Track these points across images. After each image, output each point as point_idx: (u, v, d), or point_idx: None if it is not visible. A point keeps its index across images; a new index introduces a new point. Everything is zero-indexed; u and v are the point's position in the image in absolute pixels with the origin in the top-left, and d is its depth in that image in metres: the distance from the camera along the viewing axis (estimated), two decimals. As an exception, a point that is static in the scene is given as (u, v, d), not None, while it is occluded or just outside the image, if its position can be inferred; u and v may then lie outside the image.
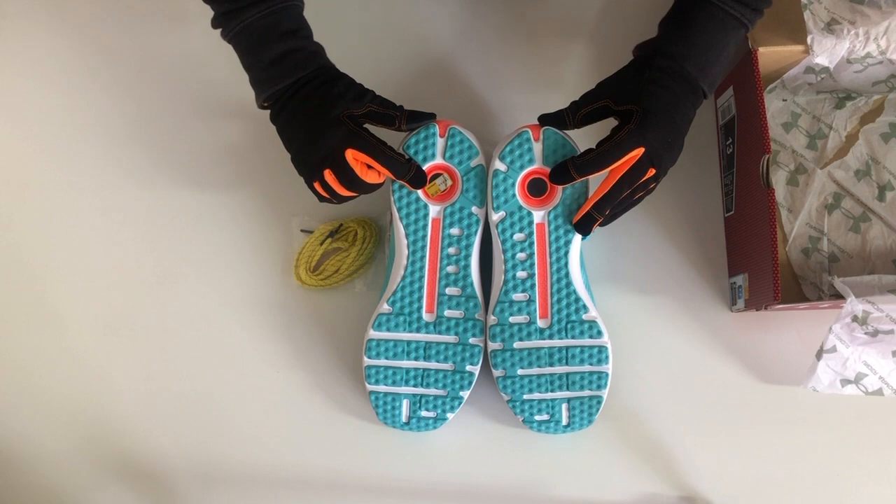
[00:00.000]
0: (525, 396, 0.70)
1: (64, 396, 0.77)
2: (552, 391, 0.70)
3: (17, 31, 0.86)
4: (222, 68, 0.83)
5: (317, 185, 0.66)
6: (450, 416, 0.71)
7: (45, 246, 0.80)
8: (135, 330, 0.78)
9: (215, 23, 0.66)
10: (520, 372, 0.70)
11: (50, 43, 0.86)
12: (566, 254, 0.70)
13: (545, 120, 0.70)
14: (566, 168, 0.66)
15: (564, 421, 0.71)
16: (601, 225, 0.69)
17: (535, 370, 0.70)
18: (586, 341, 0.70)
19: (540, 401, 0.70)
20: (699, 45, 0.64)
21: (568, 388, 0.70)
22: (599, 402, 0.70)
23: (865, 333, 0.67)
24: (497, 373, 0.71)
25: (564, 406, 0.71)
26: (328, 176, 0.65)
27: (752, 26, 0.65)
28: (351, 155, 0.64)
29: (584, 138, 0.70)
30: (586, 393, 0.70)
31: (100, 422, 0.76)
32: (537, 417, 0.71)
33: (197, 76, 0.84)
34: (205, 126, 0.82)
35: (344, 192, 0.67)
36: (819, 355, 0.68)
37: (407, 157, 0.68)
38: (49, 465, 0.76)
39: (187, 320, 0.78)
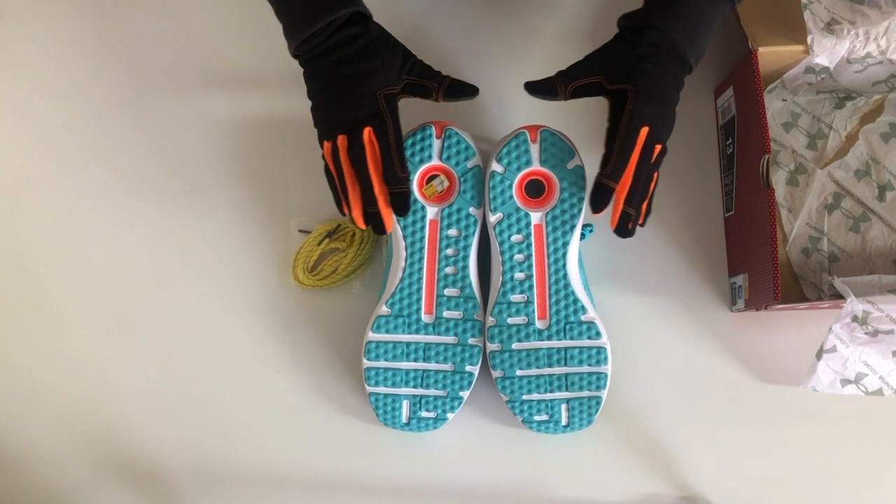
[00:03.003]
0: (524, 397, 0.70)
1: (64, 397, 0.77)
2: (551, 392, 0.70)
3: (16, 32, 0.86)
4: (222, 71, 0.84)
5: (326, 145, 0.66)
6: (450, 416, 0.71)
7: (46, 247, 0.80)
8: (135, 331, 0.78)
9: None
10: (518, 373, 0.70)
11: (49, 44, 0.85)
12: (564, 255, 0.70)
13: (533, 87, 0.67)
14: (601, 185, 0.64)
15: (564, 421, 0.71)
16: (642, 224, 0.67)
17: (533, 371, 0.70)
18: (585, 342, 0.70)
19: (539, 401, 0.70)
20: (687, 17, 0.64)
21: (567, 389, 0.70)
22: (599, 403, 0.70)
23: (865, 333, 0.67)
24: (496, 373, 0.71)
25: (564, 406, 0.71)
26: (340, 141, 0.65)
27: (739, 1, 0.66)
28: (367, 135, 0.64)
29: (576, 131, 0.70)
30: (585, 393, 0.70)
31: (100, 422, 0.76)
32: (536, 418, 0.71)
33: (196, 79, 0.84)
34: (204, 127, 0.82)
35: (345, 164, 0.65)
36: (819, 355, 0.68)
37: (407, 176, 0.67)
38: (49, 465, 0.76)
39: (187, 321, 0.78)
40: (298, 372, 0.76)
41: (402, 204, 0.67)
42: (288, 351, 0.77)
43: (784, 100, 0.80)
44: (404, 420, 0.71)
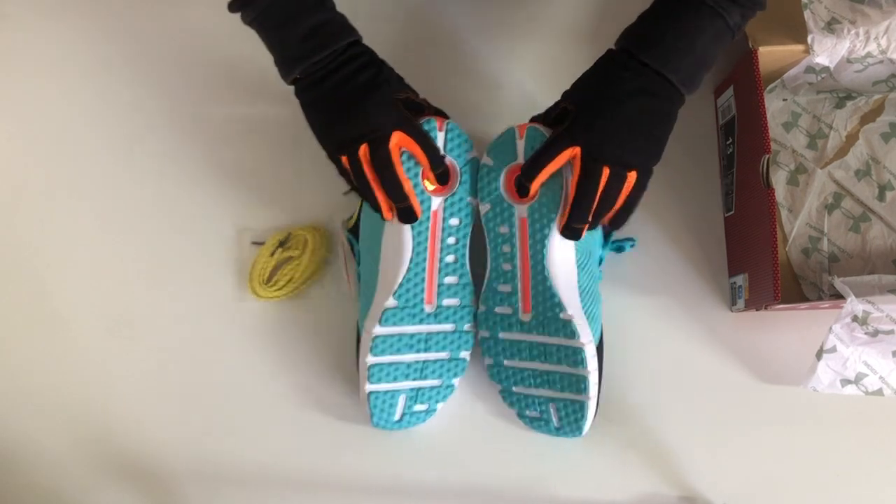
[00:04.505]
0: (514, 389, 0.70)
1: (64, 397, 0.77)
2: (537, 387, 0.70)
3: (16, 32, 0.86)
4: (222, 72, 0.84)
5: (344, 159, 0.66)
6: (439, 406, 0.71)
7: (45, 246, 0.81)
8: (134, 331, 0.78)
9: (235, 4, 0.65)
10: (506, 363, 0.70)
11: (49, 44, 0.86)
12: (542, 249, 0.68)
13: None
14: (520, 178, 0.68)
15: (555, 423, 0.70)
16: (609, 231, 0.69)
17: (518, 362, 0.70)
18: (562, 340, 0.68)
19: (527, 396, 0.70)
20: (658, 35, 0.63)
21: (549, 387, 0.69)
22: (583, 408, 0.68)
23: (865, 333, 0.66)
24: (486, 360, 0.71)
25: (552, 406, 0.70)
26: (362, 151, 0.65)
27: (731, 17, 0.62)
28: (396, 138, 0.65)
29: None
30: (569, 395, 0.69)
31: (100, 422, 0.76)
32: (528, 413, 0.70)
33: (196, 80, 0.84)
34: (205, 127, 0.82)
35: (367, 174, 0.66)
36: (819, 355, 0.67)
37: (443, 154, 0.69)
38: (49, 465, 0.76)
39: (187, 321, 0.78)
40: (298, 373, 0.76)
41: (450, 177, 0.70)
42: (288, 350, 0.77)
43: (784, 99, 0.80)
44: (397, 417, 0.71)
